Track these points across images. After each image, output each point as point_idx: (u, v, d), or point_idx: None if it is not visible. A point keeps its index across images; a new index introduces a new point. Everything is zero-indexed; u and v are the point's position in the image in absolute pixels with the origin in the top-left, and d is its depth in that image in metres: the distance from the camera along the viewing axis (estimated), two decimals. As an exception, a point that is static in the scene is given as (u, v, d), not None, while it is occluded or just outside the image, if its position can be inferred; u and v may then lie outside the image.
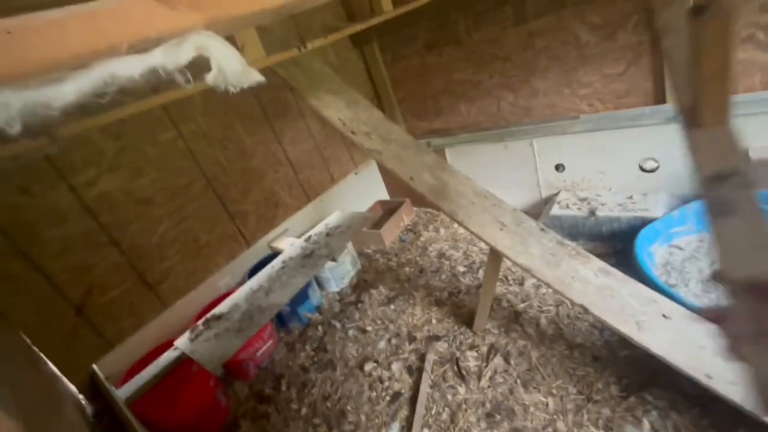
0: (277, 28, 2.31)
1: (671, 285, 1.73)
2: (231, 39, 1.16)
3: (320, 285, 2.67)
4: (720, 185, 0.72)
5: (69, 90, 0.41)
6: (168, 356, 1.74)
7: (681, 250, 1.89)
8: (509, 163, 2.73)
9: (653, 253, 1.87)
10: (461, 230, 2.86)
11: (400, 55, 2.87)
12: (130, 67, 0.44)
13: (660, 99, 2.07)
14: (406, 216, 3.19)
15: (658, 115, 2.06)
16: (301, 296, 2.40)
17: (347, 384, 1.92)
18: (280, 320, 2.44)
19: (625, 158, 2.28)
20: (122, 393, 1.62)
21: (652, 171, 2.23)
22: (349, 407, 1.79)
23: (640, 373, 1.52)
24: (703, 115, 0.76)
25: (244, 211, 2.38)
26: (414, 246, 2.88)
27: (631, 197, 2.26)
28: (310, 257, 2.13)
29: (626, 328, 1.33)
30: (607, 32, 2.06)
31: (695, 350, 1.28)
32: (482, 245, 2.60)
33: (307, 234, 2.39)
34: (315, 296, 2.52)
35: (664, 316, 1.40)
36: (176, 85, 0.51)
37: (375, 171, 3.37)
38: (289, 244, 2.42)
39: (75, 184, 1.67)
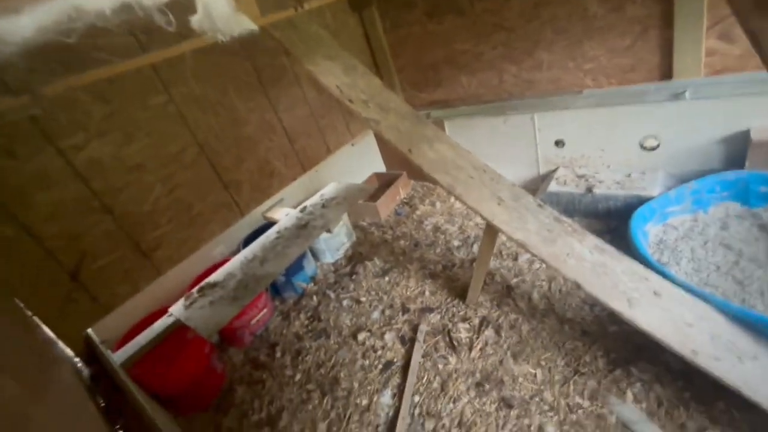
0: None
1: (664, 263, 1.75)
2: (224, -5, 1.09)
3: (315, 256, 2.67)
4: None
5: (26, 23, 0.37)
6: (163, 322, 1.75)
7: (675, 230, 1.91)
8: (509, 137, 2.69)
9: (648, 232, 1.88)
10: (457, 204, 2.85)
11: (400, 21, 2.76)
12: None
13: (666, 75, 2.02)
14: (402, 189, 3.17)
15: (664, 91, 2.02)
16: (296, 266, 2.41)
17: (341, 352, 1.96)
18: (275, 289, 2.45)
19: (626, 135, 2.26)
20: (118, 358, 1.64)
21: (653, 149, 2.21)
22: (342, 374, 1.83)
23: (627, 348, 1.56)
24: None
25: (237, 179, 2.34)
26: (410, 219, 2.88)
27: (629, 175, 2.25)
28: (305, 228, 2.12)
29: (617, 304, 1.35)
30: (616, 4, 1.98)
31: (684, 327, 1.31)
32: (478, 220, 2.61)
33: (303, 204, 2.37)
34: (310, 267, 2.53)
35: (655, 293, 1.42)
36: (163, 38, 0.47)
37: (372, 142, 3.31)
38: (284, 215, 2.41)
39: (63, 147, 1.61)
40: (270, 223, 2.40)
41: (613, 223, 2.16)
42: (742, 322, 1.34)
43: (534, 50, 2.34)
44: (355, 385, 1.77)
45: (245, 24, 0.54)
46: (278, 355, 2.05)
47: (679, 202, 1.93)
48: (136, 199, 1.86)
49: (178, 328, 1.72)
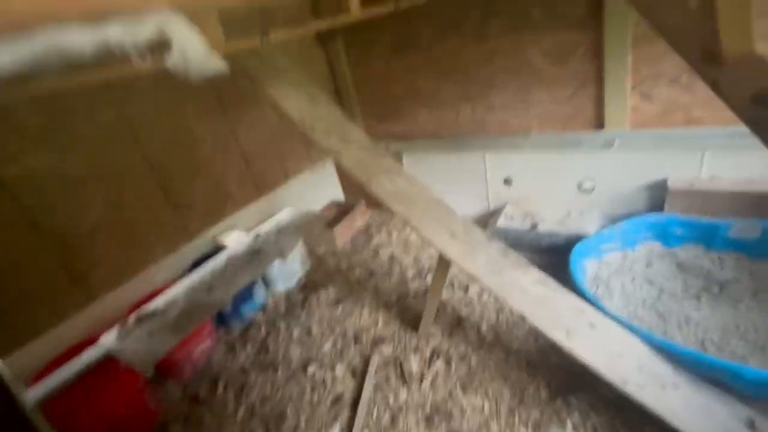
0: (239, 14, 2.22)
1: (599, 297, 1.88)
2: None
3: (266, 284, 2.59)
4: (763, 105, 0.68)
5: (4, 57, 0.36)
6: (91, 354, 1.59)
7: (609, 266, 2.08)
8: (462, 173, 2.84)
9: (585, 267, 2.03)
10: (413, 235, 2.91)
11: (364, 56, 2.88)
12: (80, 40, 0.40)
13: (600, 125, 2.26)
14: (360, 218, 3.20)
15: (598, 139, 2.25)
16: (246, 294, 2.31)
17: (288, 386, 1.88)
18: (221, 319, 2.33)
19: (567, 177, 2.46)
20: (33, 394, 1.46)
21: (589, 191, 2.43)
22: (289, 410, 1.75)
23: (567, 377, 1.64)
24: (725, 48, 0.68)
25: (189, 201, 2.26)
26: (366, 248, 2.89)
27: (569, 214, 2.44)
28: (257, 254, 2.07)
29: (557, 335, 1.43)
30: (558, 59, 2.21)
31: (615, 357, 1.41)
32: (432, 251, 2.67)
33: (257, 230, 2.32)
34: (260, 295, 2.44)
35: (590, 325, 1.52)
36: (122, 59, 0.47)
37: (331, 170, 3.34)
38: (236, 240, 2.33)
39: (-9, 158, 1.48)
40: (221, 248, 2.31)
41: (555, 258, 2.31)
42: (664, 353, 1.46)
43: (488, 93, 2.53)
44: (303, 420, 1.70)
45: (217, 65, 0.55)
46: (220, 390, 1.93)
47: (611, 240, 2.11)
48: (72, 216, 1.73)
49: (108, 360, 1.58)
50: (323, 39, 2.92)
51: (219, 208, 2.45)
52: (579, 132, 2.33)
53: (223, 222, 2.48)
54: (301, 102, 1.88)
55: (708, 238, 1.99)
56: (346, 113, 2.14)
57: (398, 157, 3.04)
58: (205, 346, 2.10)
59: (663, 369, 1.42)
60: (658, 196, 2.19)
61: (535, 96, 2.38)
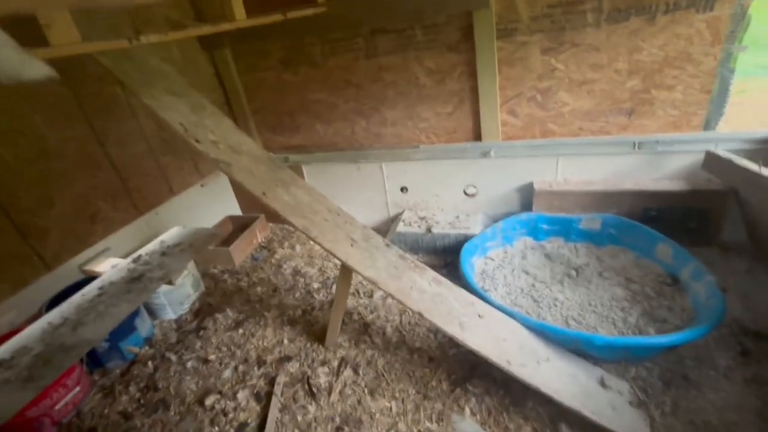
0: (101, 13, 1.97)
1: (486, 290, 2.10)
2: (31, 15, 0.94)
3: (152, 313, 2.30)
4: None
5: None
6: None
7: (492, 261, 2.33)
8: (362, 182, 2.92)
9: (474, 264, 2.25)
10: (317, 247, 2.88)
11: (255, 67, 2.79)
12: None
13: (478, 137, 2.54)
14: (260, 232, 3.05)
15: (477, 150, 2.53)
16: (126, 328, 2.02)
17: (183, 424, 1.69)
18: (95, 360, 2.00)
19: (453, 184, 2.71)
20: None
21: (473, 196, 2.70)
22: (184, 450, 1.57)
23: (464, 367, 1.78)
24: None
25: (42, 225, 1.91)
26: (268, 264, 2.77)
27: (458, 217, 2.67)
28: (138, 281, 1.82)
29: (452, 329, 1.55)
30: (439, 78, 2.43)
31: (500, 342, 1.58)
32: (337, 261, 2.68)
33: (137, 253, 2.05)
34: (144, 327, 2.16)
35: (479, 315, 1.69)
36: None
37: (225, 183, 3.13)
38: (110, 267, 2.03)
39: None
40: (90, 279, 1.98)
41: (449, 257, 2.51)
42: (538, 332, 1.69)
43: (380, 107, 2.65)
44: (201, 459, 1.54)
45: (39, 70, 0.47)
46: (95, 443, 1.64)
47: (493, 238, 2.38)
48: None
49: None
50: (209, 45, 2.74)
51: (86, 231, 2.11)
52: (461, 143, 2.58)
53: (92, 247, 2.14)
54: (182, 111, 1.74)
55: (566, 231, 2.37)
56: (239, 125, 2.05)
57: (299, 170, 2.99)
58: (72, 395, 1.77)
59: (538, 346, 1.64)
60: (527, 197, 2.54)
61: (422, 111, 2.58)
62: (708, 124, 2.13)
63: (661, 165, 2.26)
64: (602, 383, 1.53)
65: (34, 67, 0.44)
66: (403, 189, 2.86)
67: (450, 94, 2.46)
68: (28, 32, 0.93)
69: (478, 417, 1.56)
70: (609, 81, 2.16)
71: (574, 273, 2.16)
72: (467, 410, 1.60)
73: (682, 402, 1.51)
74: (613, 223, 2.24)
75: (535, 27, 2.13)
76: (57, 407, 1.71)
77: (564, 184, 2.40)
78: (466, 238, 2.34)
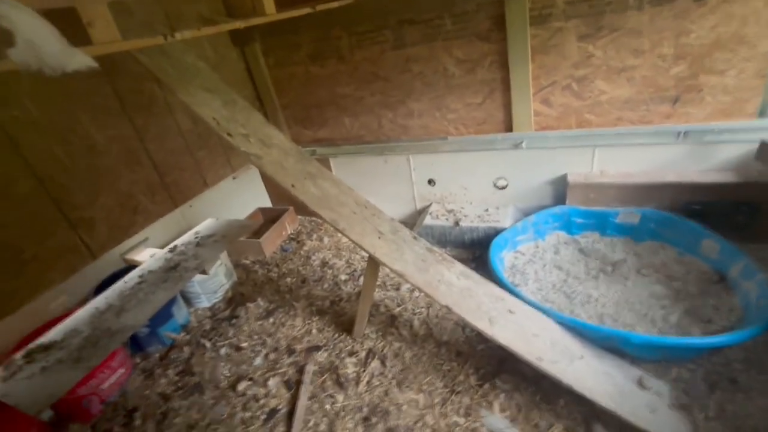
0: (138, 10, 2.05)
1: (516, 285, 2.05)
2: (73, 13, 0.98)
3: (188, 301, 2.40)
4: None
5: None
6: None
7: (523, 255, 2.27)
8: (389, 175, 2.91)
9: (503, 258, 2.20)
10: (345, 239, 2.91)
11: (284, 61, 2.82)
12: None
13: (509, 128, 2.47)
14: (289, 224, 3.11)
15: (508, 141, 2.46)
16: (164, 315, 2.12)
17: (217, 407, 1.76)
18: (136, 344, 2.11)
19: (483, 176, 2.65)
20: None
21: (503, 188, 2.64)
22: (219, 432, 1.64)
23: (492, 362, 1.76)
24: None
25: (90, 217, 2.02)
26: (297, 255, 2.82)
27: (487, 210, 2.62)
28: (175, 270, 1.91)
29: (481, 324, 1.53)
30: (469, 67, 2.38)
31: (531, 338, 1.54)
32: (364, 253, 2.69)
33: (173, 244, 2.14)
34: (181, 314, 2.26)
35: (509, 311, 1.65)
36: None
37: (256, 176, 3.21)
38: (149, 256, 2.13)
39: None
40: (131, 267, 2.09)
41: (477, 251, 2.47)
42: (571, 329, 1.64)
43: (407, 99, 2.63)
44: (234, 442, 1.60)
45: (81, 61, 0.49)
46: (137, 422, 1.74)
47: (524, 232, 2.32)
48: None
49: (-10, 407, 1.34)
50: (240, 41, 2.80)
51: (128, 222, 2.22)
52: (491, 134, 2.51)
53: (133, 238, 2.25)
54: (215, 106, 1.78)
55: (601, 225, 2.27)
56: (269, 119, 2.08)
57: (326, 162, 3.02)
58: (117, 376, 1.88)
59: (571, 343, 1.59)
60: (560, 189, 2.45)
61: (450, 102, 2.53)
62: (763, 112, 1.97)
63: (708, 156, 2.12)
64: (640, 384, 1.47)
65: (77, 58, 0.46)
66: (431, 181, 2.83)
67: (480, 83, 2.40)
68: (72, 31, 0.98)
69: (508, 413, 1.54)
70: (651, 67, 2.03)
71: (609, 269, 2.07)
72: (496, 405, 1.58)
73: (728, 406, 1.42)
74: (653, 218, 2.13)
75: (571, 12, 2.03)
76: (103, 386, 1.82)
77: (600, 177, 2.30)
78: (496, 232, 2.29)
